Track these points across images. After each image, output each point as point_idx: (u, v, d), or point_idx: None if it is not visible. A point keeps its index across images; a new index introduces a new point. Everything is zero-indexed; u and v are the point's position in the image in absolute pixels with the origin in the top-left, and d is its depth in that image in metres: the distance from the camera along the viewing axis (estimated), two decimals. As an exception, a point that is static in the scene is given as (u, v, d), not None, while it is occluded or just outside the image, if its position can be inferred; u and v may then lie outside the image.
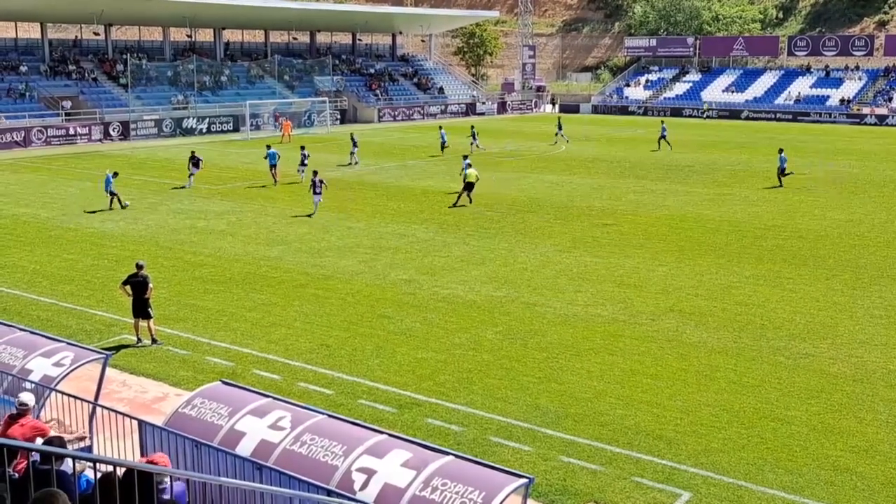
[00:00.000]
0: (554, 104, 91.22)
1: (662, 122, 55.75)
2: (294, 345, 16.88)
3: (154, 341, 16.83)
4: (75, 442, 10.17)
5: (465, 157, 35.23)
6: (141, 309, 16.72)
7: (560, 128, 54.41)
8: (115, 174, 31.41)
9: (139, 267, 16.96)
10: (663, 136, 51.25)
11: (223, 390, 10.19)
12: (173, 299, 19.77)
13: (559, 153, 49.54)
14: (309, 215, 29.86)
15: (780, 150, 38.29)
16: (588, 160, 46.04)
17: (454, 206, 31.76)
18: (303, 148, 39.22)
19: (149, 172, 39.69)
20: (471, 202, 31.91)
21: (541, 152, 49.63)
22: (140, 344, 16.77)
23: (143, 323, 16.82)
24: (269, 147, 38.13)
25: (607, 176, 40.12)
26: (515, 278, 21.80)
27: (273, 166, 36.99)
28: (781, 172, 37.36)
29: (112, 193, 30.88)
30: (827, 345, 16.97)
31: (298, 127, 60.63)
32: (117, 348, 16.46)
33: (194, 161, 35.99)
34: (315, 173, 30.73)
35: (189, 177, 36.17)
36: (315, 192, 30.02)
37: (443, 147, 47.88)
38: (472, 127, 51.29)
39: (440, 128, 52.08)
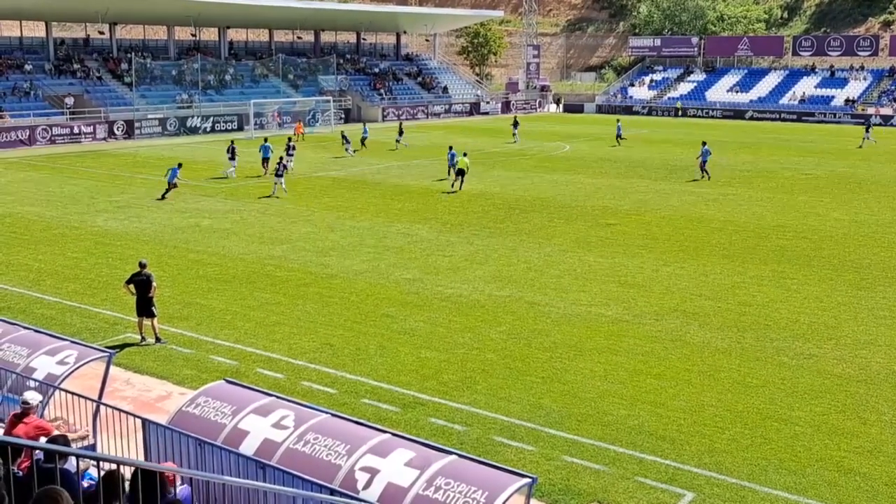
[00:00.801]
0: (558, 104, 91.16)
1: (618, 120, 57.68)
2: (297, 344, 16.89)
3: (158, 340, 16.86)
4: (78, 441, 10.17)
5: (451, 148, 38.15)
6: (145, 307, 16.77)
7: (515, 126, 55.94)
8: (180, 165, 33.91)
9: (142, 266, 16.99)
10: (619, 135, 54.05)
11: (227, 389, 10.20)
12: (177, 298, 19.79)
13: (563, 153, 49.53)
14: (268, 196, 33.19)
15: (704, 143, 39.33)
16: (592, 160, 46.02)
17: (450, 192, 34.29)
18: (289, 139, 42.27)
19: (152, 171, 39.71)
20: (460, 188, 34.60)
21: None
22: (144, 342, 16.79)
23: (146, 321, 16.86)
24: (265, 140, 40.55)
25: (611, 176, 40.09)
26: (519, 278, 21.79)
27: (265, 159, 39.33)
28: (703, 165, 38.35)
29: (171, 184, 32.77)
30: (831, 345, 16.94)
31: (303, 126, 60.69)
32: (121, 347, 16.47)
33: (231, 152, 38.79)
34: (286, 155, 36.15)
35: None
36: (277, 175, 33.74)
37: (363, 141, 50.03)
38: (401, 124, 54.56)
39: (364, 123, 55.15)
